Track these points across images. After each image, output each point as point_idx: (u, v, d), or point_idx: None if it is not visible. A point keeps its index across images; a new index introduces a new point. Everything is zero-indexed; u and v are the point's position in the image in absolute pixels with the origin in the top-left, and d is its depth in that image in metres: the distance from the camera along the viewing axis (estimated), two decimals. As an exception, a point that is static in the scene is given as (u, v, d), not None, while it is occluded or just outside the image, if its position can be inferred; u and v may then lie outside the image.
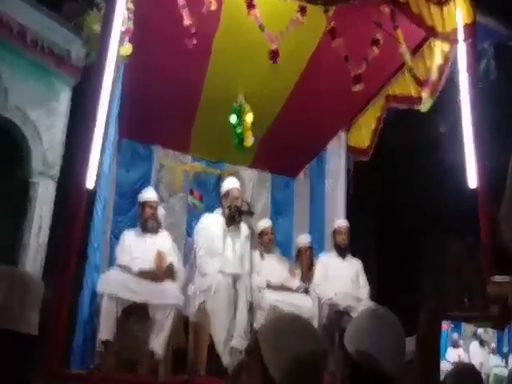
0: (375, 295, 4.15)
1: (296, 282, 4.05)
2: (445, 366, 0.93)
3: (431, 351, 0.90)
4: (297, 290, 3.88)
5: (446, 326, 0.93)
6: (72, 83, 5.29)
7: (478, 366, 0.95)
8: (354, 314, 3.67)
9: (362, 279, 4.09)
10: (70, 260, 2.97)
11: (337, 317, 3.67)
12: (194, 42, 3.18)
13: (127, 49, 3.25)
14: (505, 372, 0.98)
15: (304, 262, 4.42)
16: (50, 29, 4.98)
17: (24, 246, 4.90)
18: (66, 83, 5.27)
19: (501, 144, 4.32)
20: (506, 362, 0.99)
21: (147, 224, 3.74)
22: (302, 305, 3.59)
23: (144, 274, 3.35)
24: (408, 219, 6.04)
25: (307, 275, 4.26)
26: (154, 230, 3.75)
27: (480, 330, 0.96)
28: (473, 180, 3.30)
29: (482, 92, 3.45)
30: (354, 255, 4.23)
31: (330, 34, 3.29)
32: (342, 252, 4.15)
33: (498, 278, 2.69)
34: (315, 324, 3.63)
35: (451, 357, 0.94)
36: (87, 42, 4.01)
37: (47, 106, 5.16)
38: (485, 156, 3.30)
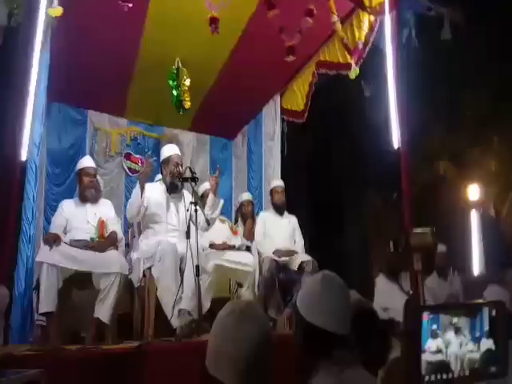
0: (308, 247, 4.31)
1: (238, 240, 4.06)
2: (425, 357, 1.05)
3: (414, 348, 1.00)
4: (239, 248, 3.89)
5: (425, 317, 1.04)
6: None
7: (454, 353, 1.09)
8: (290, 266, 3.87)
9: (298, 234, 4.21)
10: (8, 236, 2.80)
11: (276, 269, 3.79)
12: (130, 5, 2.95)
13: (57, 10, 2.93)
14: (477, 356, 1.13)
15: (245, 218, 4.46)
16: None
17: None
18: (-16, 43, 4.73)
19: (420, 108, 4.58)
20: (478, 347, 1.13)
21: (86, 193, 3.40)
22: (245, 261, 3.60)
23: (79, 244, 3.11)
24: (338, 177, 6.31)
25: (249, 233, 4.32)
26: (94, 199, 3.43)
27: (455, 319, 1.07)
28: (396, 140, 3.49)
29: (404, 59, 3.58)
30: (290, 212, 4.32)
31: (267, 4, 3.17)
32: (279, 210, 4.23)
33: (419, 230, 2.88)
34: (256, 277, 3.75)
35: (431, 347, 1.06)
36: (10, 1, 3.58)
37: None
38: (406, 118, 3.47)
